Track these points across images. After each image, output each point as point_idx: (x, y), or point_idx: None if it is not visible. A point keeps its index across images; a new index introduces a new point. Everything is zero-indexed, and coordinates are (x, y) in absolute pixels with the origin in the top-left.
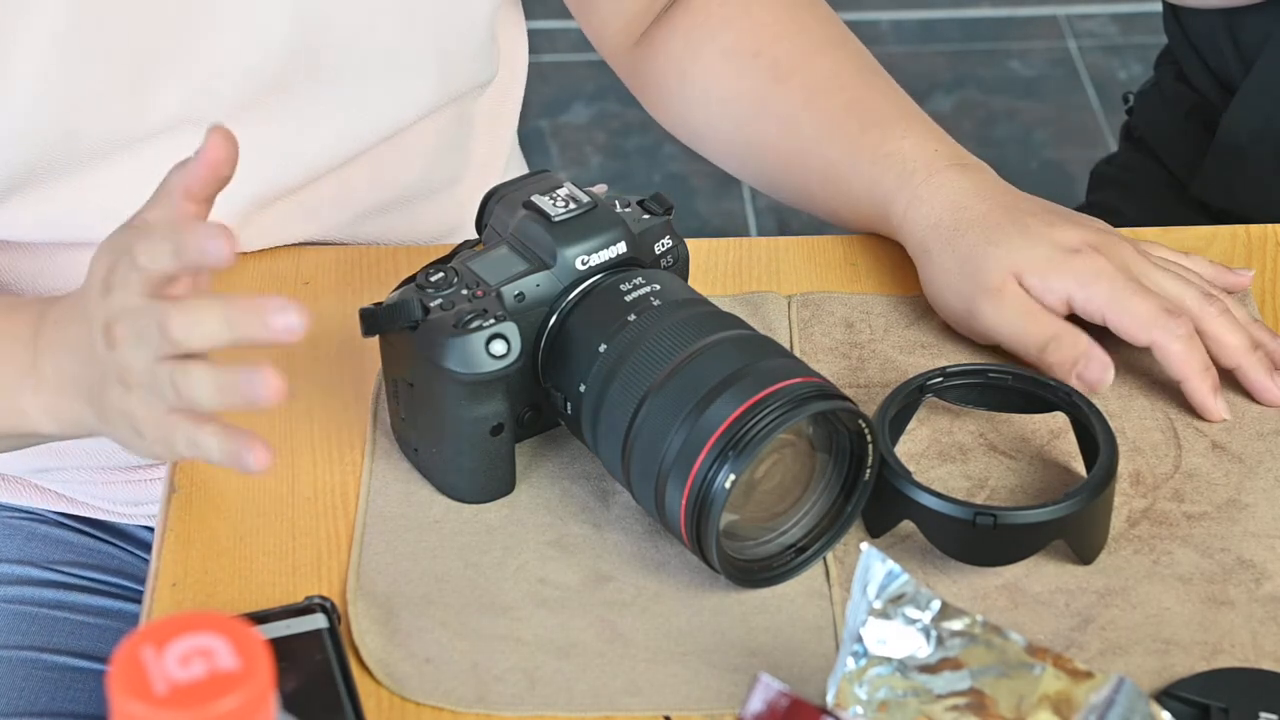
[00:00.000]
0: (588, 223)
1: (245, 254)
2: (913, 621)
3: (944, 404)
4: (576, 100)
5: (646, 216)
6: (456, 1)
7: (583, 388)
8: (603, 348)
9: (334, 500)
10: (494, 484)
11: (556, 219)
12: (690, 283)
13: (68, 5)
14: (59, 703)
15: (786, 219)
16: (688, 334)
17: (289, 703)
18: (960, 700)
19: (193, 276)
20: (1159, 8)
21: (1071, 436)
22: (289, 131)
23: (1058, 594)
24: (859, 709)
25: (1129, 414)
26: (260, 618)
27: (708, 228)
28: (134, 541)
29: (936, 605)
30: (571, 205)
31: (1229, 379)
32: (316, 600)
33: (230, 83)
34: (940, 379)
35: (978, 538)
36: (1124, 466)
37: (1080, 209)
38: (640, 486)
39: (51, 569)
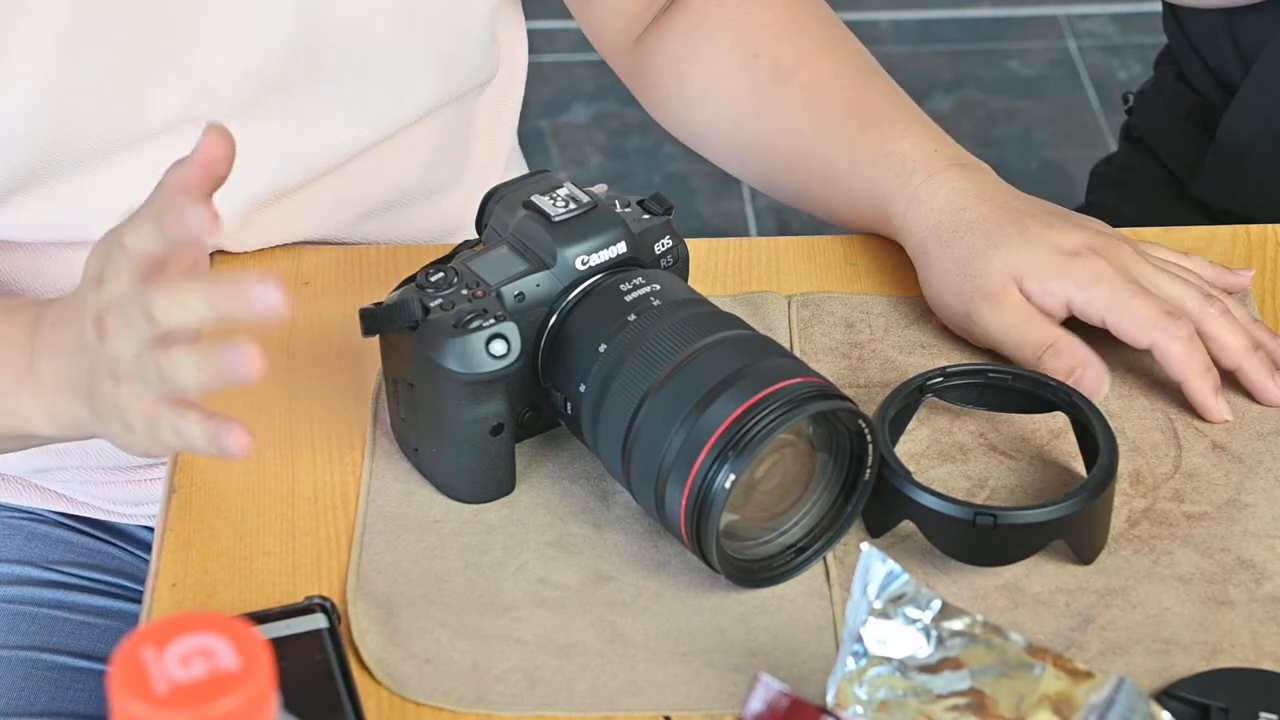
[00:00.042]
0: (588, 223)
1: (245, 254)
2: (913, 621)
3: (944, 404)
4: (576, 100)
5: (646, 216)
6: (456, 1)
7: (583, 388)
8: (603, 348)
9: (334, 500)
10: (494, 484)
11: (556, 219)
12: (690, 283)
13: (68, 5)
14: (59, 703)
15: (786, 219)
16: (688, 334)
17: (289, 703)
18: (960, 700)
19: (191, 262)
20: (1159, 8)
21: (1071, 436)
22: (289, 131)
23: (1058, 594)
24: (859, 709)
25: (1129, 414)
26: (260, 618)
27: (708, 228)
28: (134, 541)
29: (936, 605)
30: (571, 205)
31: (1229, 379)
32: (316, 600)
33: (230, 83)
34: (940, 379)
35: (978, 538)
36: (1124, 466)
37: (1080, 209)
38: (640, 486)
39: (51, 569)
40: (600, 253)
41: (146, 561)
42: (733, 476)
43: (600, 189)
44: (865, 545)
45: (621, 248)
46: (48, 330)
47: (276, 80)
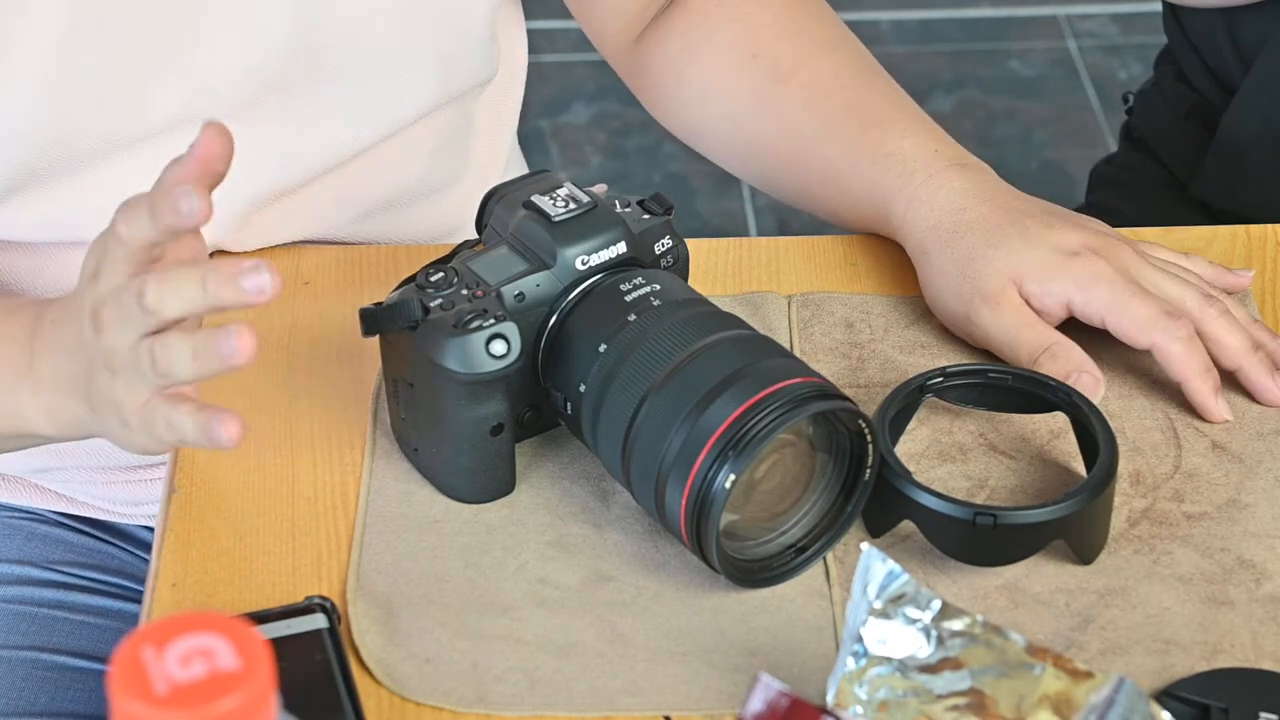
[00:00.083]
0: (588, 223)
1: (245, 254)
2: (913, 621)
3: (944, 404)
4: (576, 100)
5: (646, 216)
6: (456, 1)
7: (583, 388)
8: (603, 348)
9: (334, 500)
10: (494, 484)
11: (556, 219)
12: (690, 283)
13: (68, 5)
14: (59, 703)
15: (786, 219)
16: (688, 334)
17: (289, 703)
18: (960, 700)
19: (190, 256)
20: (1159, 8)
21: (1071, 436)
22: (289, 131)
23: (1058, 594)
24: (859, 709)
25: (1129, 414)
26: (260, 618)
27: (708, 228)
28: (134, 541)
29: (936, 605)
30: (571, 205)
31: (1229, 379)
32: (316, 600)
33: (230, 83)
34: (940, 379)
35: (978, 538)
36: (1124, 466)
37: (1080, 209)
38: (640, 486)
39: (51, 569)
40: (600, 253)
41: (146, 561)
42: (733, 476)
43: (600, 189)
44: (865, 545)
45: (621, 248)
46: (48, 329)
47: (276, 80)
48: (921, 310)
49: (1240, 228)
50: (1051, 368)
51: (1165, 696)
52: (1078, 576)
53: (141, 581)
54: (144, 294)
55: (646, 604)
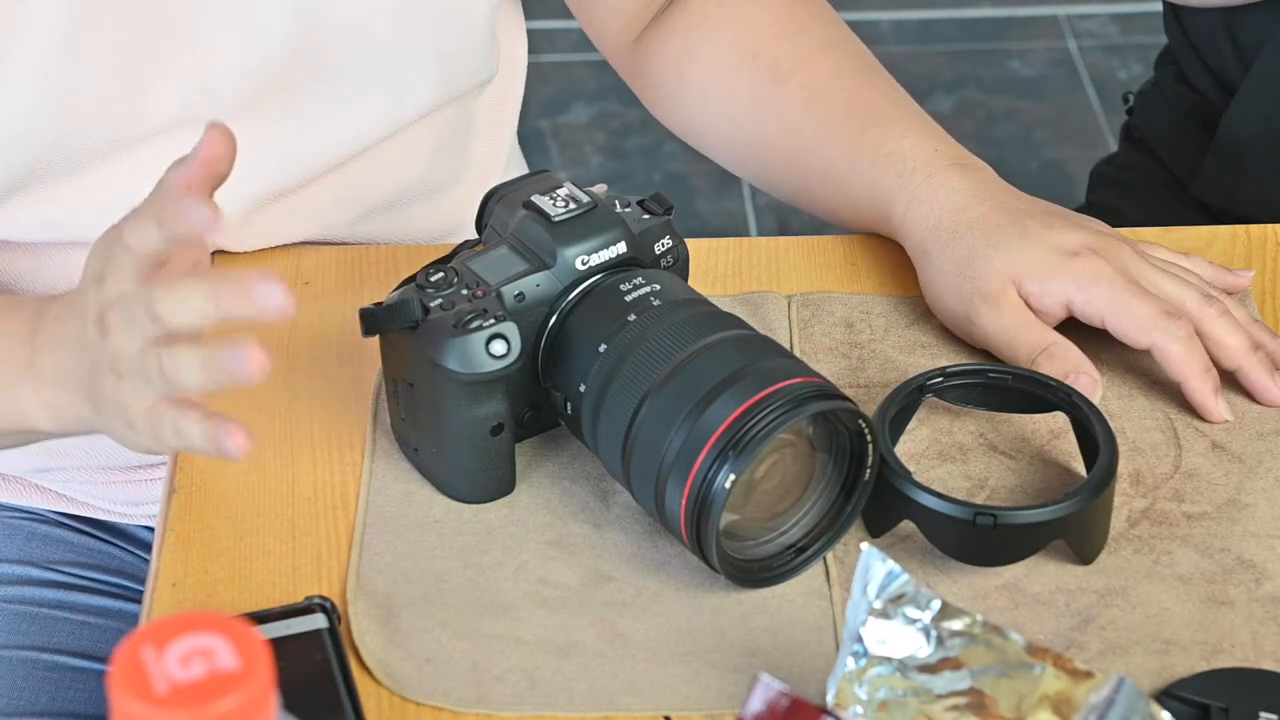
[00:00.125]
0: (588, 223)
1: (245, 254)
2: (913, 621)
3: (944, 404)
4: (576, 100)
5: (646, 216)
6: (456, 1)
7: (583, 388)
8: (603, 348)
9: (334, 500)
10: (494, 484)
11: (556, 219)
12: (690, 283)
13: (68, 5)
14: (59, 703)
15: (786, 219)
16: (688, 334)
17: (289, 703)
18: (960, 700)
19: (192, 262)
20: (1159, 8)
21: (1071, 436)
22: (289, 131)
23: (1058, 594)
24: (859, 709)
25: (1129, 414)
26: (260, 618)
27: (708, 228)
28: (134, 541)
29: (936, 605)
30: (571, 205)
31: (1229, 379)
32: (316, 600)
33: (230, 83)
34: (940, 379)
35: (978, 538)
36: (1124, 466)
37: (1080, 209)
38: (640, 486)
39: (51, 569)
40: (600, 253)
41: (146, 561)
42: (733, 476)
43: (600, 189)
44: (865, 545)
45: (621, 248)
46: (49, 325)
47: (276, 80)
48: (921, 310)
49: (1240, 228)
50: (1050, 368)
51: (1165, 696)
52: (1078, 576)
53: (141, 581)
54: (153, 303)
55: (646, 604)
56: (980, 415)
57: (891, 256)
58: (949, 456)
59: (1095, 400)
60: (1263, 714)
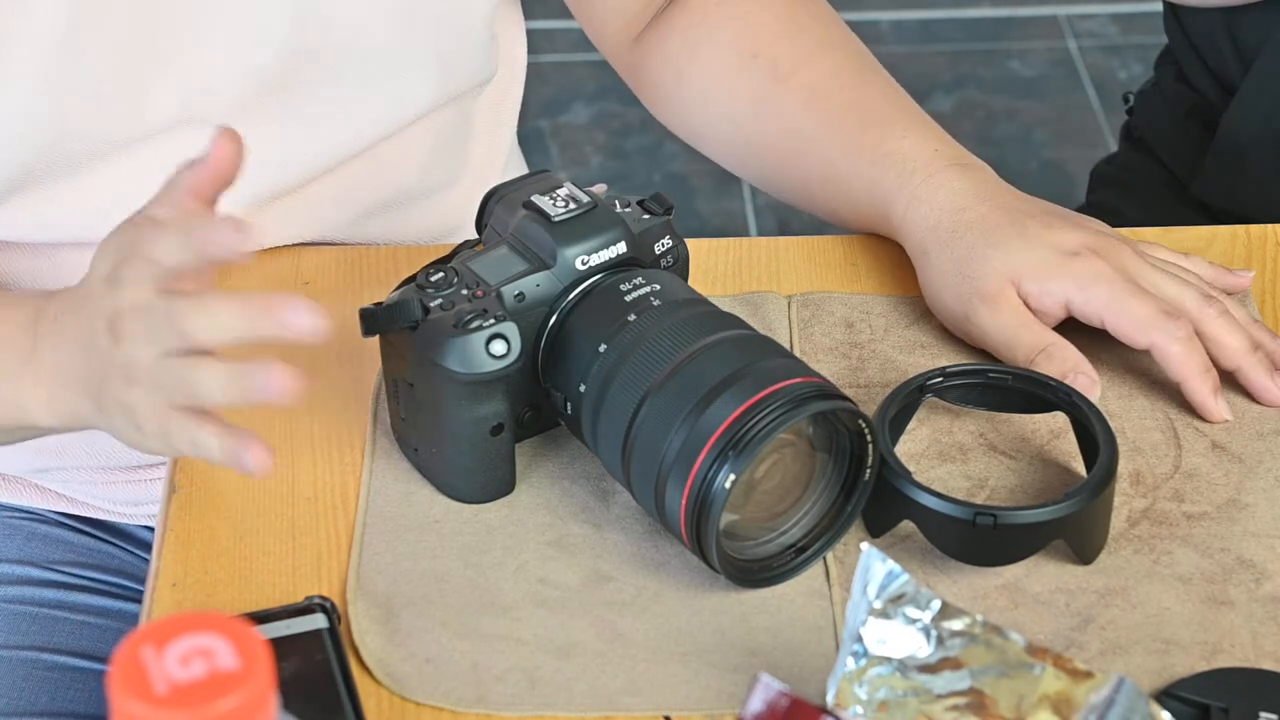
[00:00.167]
0: (588, 223)
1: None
2: (913, 621)
3: (944, 404)
4: (576, 100)
5: (646, 216)
6: (455, 1)
7: (583, 388)
8: (603, 348)
9: (334, 500)
10: (494, 484)
11: (556, 219)
12: (690, 283)
13: (67, 5)
14: (59, 703)
15: (786, 219)
16: (688, 334)
17: (289, 703)
18: (960, 700)
19: (200, 273)
20: (1159, 8)
21: (1071, 436)
22: (289, 131)
23: (1058, 594)
24: (859, 709)
25: (1129, 414)
26: (260, 618)
27: (708, 228)
28: (134, 541)
29: (936, 605)
30: (571, 205)
31: (1229, 379)
32: (316, 600)
33: (230, 83)
34: (940, 379)
35: (978, 538)
36: (1124, 466)
37: (1080, 209)
38: (640, 486)
39: (51, 569)
40: (600, 253)
41: (146, 561)
42: (733, 476)
43: (600, 189)
44: (865, 545)
45: (621, 248)
46: (50, 322)
47: (276, 80)
48: (921, 310)
49: (1240, 228)
50: (1048, 368)
51: (1165, 696)
52: (1078, 576)
53: (141, 581)
54: (180, 318)
55: (646, 604)
56: (980, 415)
57: (891, 256)
58: (949, 456)
59: (1095, 398)
60: (1263, 714)
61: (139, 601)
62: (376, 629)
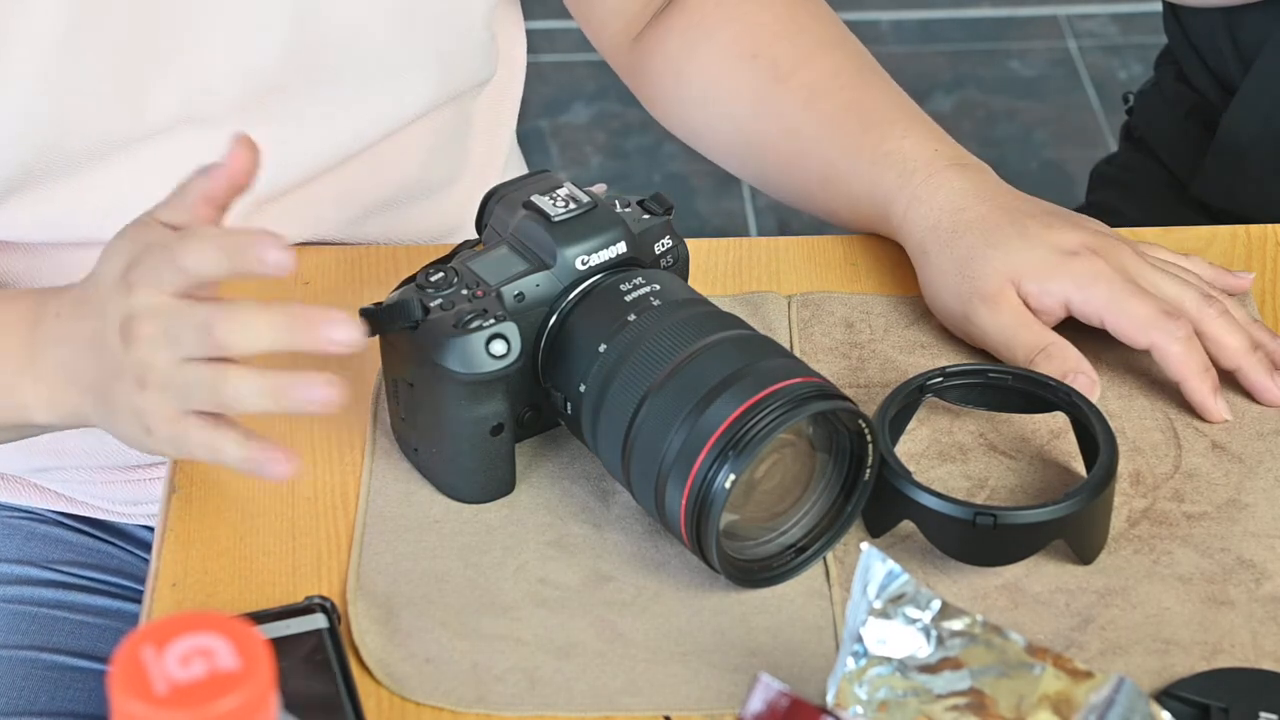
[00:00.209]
0: (588, 223)
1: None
2: (913, 621)
3: (944, 404)
4: (576, 100)
5: (646, 216)
6: (455, 1)
7: (583, 388)
8: (603, 348)
9: (334, 500)
10: (494, 484)
11: (556, 219)
12: (690, 283)
13: (67, 5)
14: (59, 702)
15: (786, 219)
16: (688, 334)
17: (289, 703)
18: (960, 700)
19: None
20: (1159, 8)
21: (1071, 436)
22: (288, 131)
23: (1058, 594)
24: (859, 709)
25: (1129, 414)
26: (260, 618)
27: (708, 228)
28: (134, 541)
29: (936, 605)
30: (571, 205)
31: (1229, 379)
32: (316, 600)
33: (230, 83)
34: (940, 379)
35: (978, 538)
36: (1124, 466)
37: (1080, 209)
38: (640, 486)
39: (51, 569)
40: (600, 253)
41: (146, 561)
42: (733, 476)
43: (600, 189)
44: (865, 545)
45: (621, 248)
46: (52, 321)
47: (276, 80)
48: (921, 310)
49: (1240, 228)
50: (1047, 368)
51: (1165, 696)
52: (1078, 576)
53: (141, 581)
54: (212, 327)
55: (646, 604)
56: (980, 415)
57: (891, 256)
58: (949, 456)
59: (1094, 398)
60: (1263, 714)
61: (139, 601)
62: (376, 629)
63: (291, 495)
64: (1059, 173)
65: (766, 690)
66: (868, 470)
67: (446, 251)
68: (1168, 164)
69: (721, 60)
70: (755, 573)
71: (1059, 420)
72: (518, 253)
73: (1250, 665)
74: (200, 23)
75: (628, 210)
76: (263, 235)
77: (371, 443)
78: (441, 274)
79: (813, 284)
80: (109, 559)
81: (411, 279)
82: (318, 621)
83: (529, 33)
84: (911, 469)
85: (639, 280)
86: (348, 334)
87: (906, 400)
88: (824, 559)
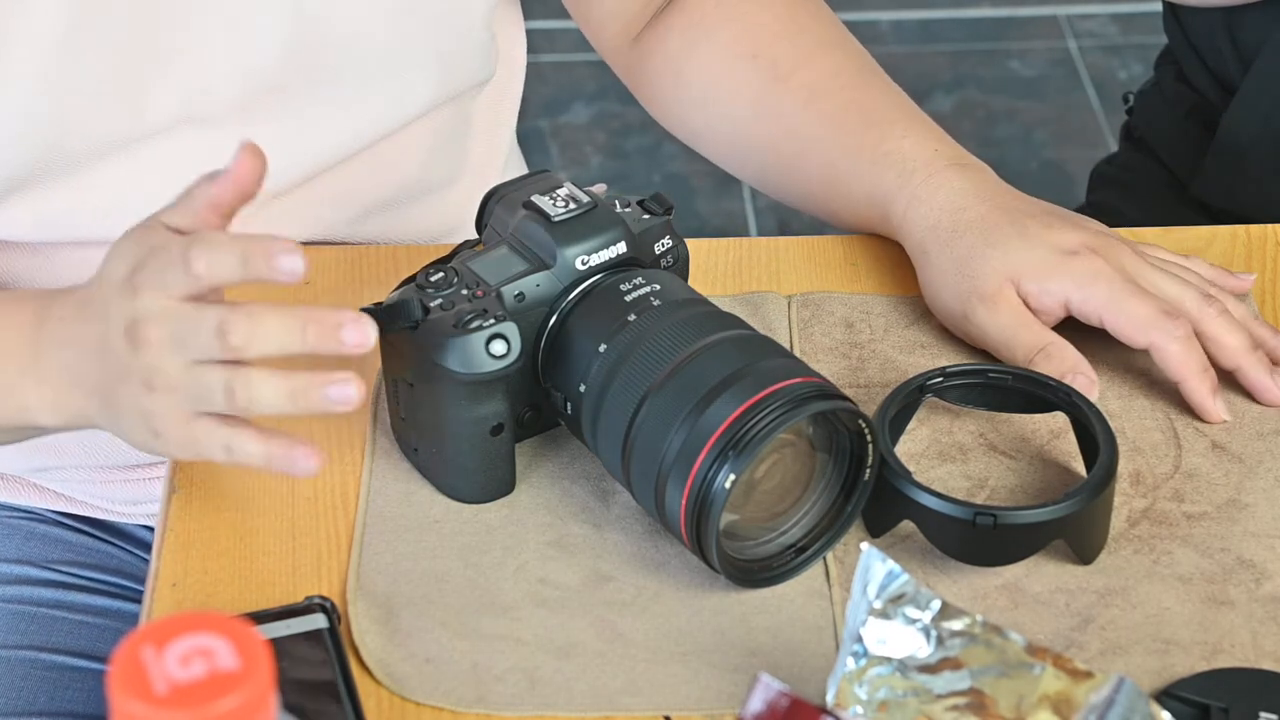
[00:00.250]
0: (588, 223)
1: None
2: (913, 621)
3: (944, 404)
4: (576, 100)
5: (646, 216)
6: (455, 1)
7: (583, 388)
8: (603, 348)
9: (334, 500)
10: (494, 484)
11: (556, 219)
12: (690, 283)
13: (67, 5)
14: (59, 703)
15: (786, 219)
16: (688, 334)
17: (289, 703)
18: (960, 700)
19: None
20: (1159, 8)
21: (1071, 436)
22: (288, 131)
23: (1058, 594)
24: (859, 709)
25: (1129, 414)
26: (260, 618)
27: (708, 228)
28: (134, 541)
29: (936, 605)
30: (571, 205)
31: (1229, 379)
32: (316, 600)
33: (230, 83)
34: (940, 379)
35: (978, 538)
36: (1124, 466)
37: (1080, 209)
38: (640, 486)
39: (51, 569)
40: (600, 253)
41: (146, 561)
42: (733, 476)
43: (600, 189)
44: (865, 545)
45: (621, 248)
46: (55, 323)
47: (276, 80)
48: (921, 310)
49: (1240, 228)
50: (1047, 367)
51: (1165, 696)
52: (1078, 576)
53: (141, 581)
54: (226, 331)
55: (646, 604)
56: (980, 415)
57: (891, 256)
58: (949, 456)
59: (1093, 398)
60: (1263, 714)
61: (138, 601)
62: (376, 629)
63: (291, 495)
64: (1059, 173)
65: (766, 690)
66: (868, 470)
67: (446, 251)
68: (1168, 164)
69: (721, 60)
70: (755, 573)
71: (1059, 420)
72: (518, 253)
73: (1250, 665)
74: (200, 23)
75: (628, 210)
76: (275, 241)
77: (371, 443)
78: (441, 274)
79: (813, 284)
80: (109, 559)
81: (411, 279)
82: (318, 621)
83: (529, 33)
84: (911, 469)
85: (639, 280)
86: (362, 335)
87: (906, 400)
88: (824, 559)
